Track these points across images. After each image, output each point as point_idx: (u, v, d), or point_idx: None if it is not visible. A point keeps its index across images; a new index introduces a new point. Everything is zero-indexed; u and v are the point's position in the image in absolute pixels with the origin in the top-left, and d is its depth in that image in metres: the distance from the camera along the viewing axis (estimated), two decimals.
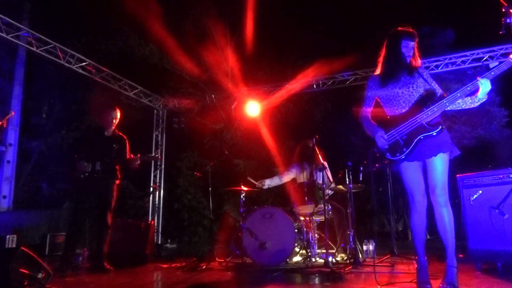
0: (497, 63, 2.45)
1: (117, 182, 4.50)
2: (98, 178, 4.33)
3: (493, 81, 2.57)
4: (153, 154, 4.32)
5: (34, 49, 5.71)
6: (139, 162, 4.35)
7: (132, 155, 4.47)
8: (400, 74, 2.78)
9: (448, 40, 9.96)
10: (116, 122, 4.58)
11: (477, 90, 2.56)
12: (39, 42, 5.78)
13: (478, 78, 2.52)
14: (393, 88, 2.78)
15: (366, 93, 2.94)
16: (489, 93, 2.63)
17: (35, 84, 11.67)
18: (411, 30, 2.80)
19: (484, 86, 2.51)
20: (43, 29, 6.25)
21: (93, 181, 4.32)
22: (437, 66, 6.76)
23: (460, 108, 2.71)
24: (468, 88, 2.54)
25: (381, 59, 2.91)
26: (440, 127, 2.61)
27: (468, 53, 6.60)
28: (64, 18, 10.65)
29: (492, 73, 2.48)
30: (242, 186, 4.83)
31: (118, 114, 4.57)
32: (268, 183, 5.11)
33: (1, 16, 5.22)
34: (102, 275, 4.07)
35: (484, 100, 2.62)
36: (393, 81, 2.78)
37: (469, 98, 2.63)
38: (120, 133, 4.64)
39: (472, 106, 2.67)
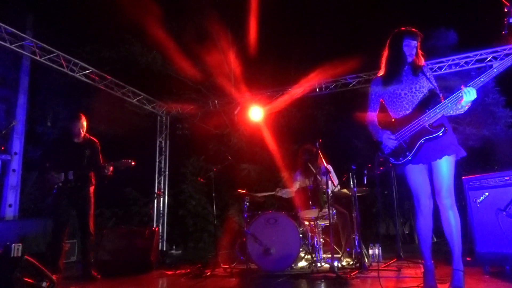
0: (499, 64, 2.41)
1: (92, 188, 4.42)
2: (72, 187, 4.25)
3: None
4: (126, 160, 4.20)
5: (37, 58, 5.76)
6: (111, 168, 4.26)
7: (101, 162, 4.42)
8: (402, 74, 2.76)
9: (451, 42, 9.90)
10: (85, 129, 4.49)
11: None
12: (43, 51, 5.83)
13: (462, 87, 2.45)
14: (395, 89, 2.76)
15: (370, 95, 2.93)
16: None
17: (40, 93, 11.77)
18: (413, 29, 2.78)
19: (468, 95, 2.43)
20: (47, 38, 6.31)
21: (67, 191, 4.25)
22: (440, 68, 6.73)
23: (449, 114, 2.66)
24: (448, 103, 2.50)
25: (383, 60, 2.89)
26: (443, 129, 2.58)
27: (471, 54, 6.57)
28: (68, 27, 10.75)
29: (482, 79, 2.40)
30: (246, 191, 4.81)
31: (84, 123, 4.47)
32: (283, 192, 5.09)
33: (5, 26, 5.28)
34: (93, 282, 4.07)
35: (468, 107, 2.54)
36: (395, 81, 2.76)
37: (456, 104, 2.55)
38: (91, 137, 4.54)
39: (457, 112, 2.62)
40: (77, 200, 4.31)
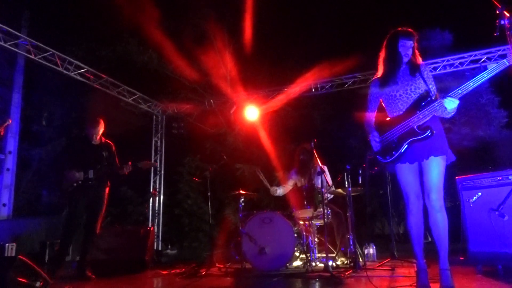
0: (495, 65, 2.45)
1: (107, 189, 4.48)
2: (92, 186, 4.31)
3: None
4: (151, 161, 4.25)
5: (32, 56, 5.73)
6: (130, 169, 4.36)
7: (118, 163, 4.50)
8: (398, 75, 2.78)
9: (446, 42, 9.97)
10: (101, 133, 4.57)
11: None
12: (37, 50, 5.79)
13: (443, 99, 2.53)
14: (391, 91, 2.78)
15: (369, 97, 2.98)
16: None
17: (35, 92, 11.70)
18: (409, 29, 2.80)
19: (449, 104, 2.51)
20: (42, 36, 6.27)
21: (85, 189, 4.29)
22: (435, 68, 6.76)
23: (440, 116, 2.69)
24: (437, 106, 2.57)
25: (380, 61, 2.92)
26: (428, 131, 2.60)
27: (465, 54, 6.61)
28: (63, 25, 10.70)
29: (460, 91, 2.48)
30: (241, 191, 4.82)
31: (101, 128, 4.55)
32: (279, 191, 5.11)
33: (0, 24, 5.24)
34: (88, 282, 4.06)
35: (452, 114, 2.61)
36: (391, 83, 2.79)
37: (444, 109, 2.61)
38: (107, 140, 4.64)
39: (446, 117, 2.67)
40: (93, 199, 4.34)
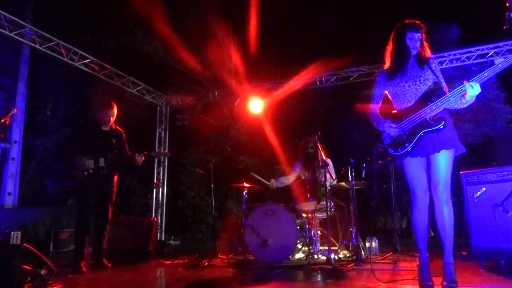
0: (502, 59, 2.40)
1: (116, 177, 4.41)
2: (102, 175, 4.20)
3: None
4: (163, 151, 4.17)
5: (37, 46, 5.73)
6: (143, 158, 4.30)
7: (128, 152, 4.46)
8: (406, 67, 2.75)
9: (453, 36, 9.86)
10: (114, 118, 4.44)
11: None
12: (42, 39, 5.79)
13: (464, 82, 2.44)
14: (399, 82, 2.75)
15: (375, 88, 2.93)
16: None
17: (40, 82, 11.74)
18: (416, 22, 2.76)
19: (471, 90, 2.41)
20: (47, 26, 6.27)
21: (97, 178, 4.18)
22: (441, 62, 6.70)
23: (452, 107, 2.62)
24: (450, 97, 2.49)
25: (387, 54, 2.88)
26: (443, 122, 2.57)
27: (473, 49, 6.53)
28: (69, 15, 10.69)
29: (486, 74, 2.38)
30: (244, 183, 4.83)
31: (115, 111, 4.41)
32: (277, 183, 5.11)
33: (5, 13, 5.24)
34: (102, 271, 4.08)
35: (472, 102, 2.53)
36: (399, 74, 2.75)
37: (459, 98, 2.53)
38: (117, 127, 4.53)
39: (461, 106, 2.59)
40: (102, 187, 4.24)
